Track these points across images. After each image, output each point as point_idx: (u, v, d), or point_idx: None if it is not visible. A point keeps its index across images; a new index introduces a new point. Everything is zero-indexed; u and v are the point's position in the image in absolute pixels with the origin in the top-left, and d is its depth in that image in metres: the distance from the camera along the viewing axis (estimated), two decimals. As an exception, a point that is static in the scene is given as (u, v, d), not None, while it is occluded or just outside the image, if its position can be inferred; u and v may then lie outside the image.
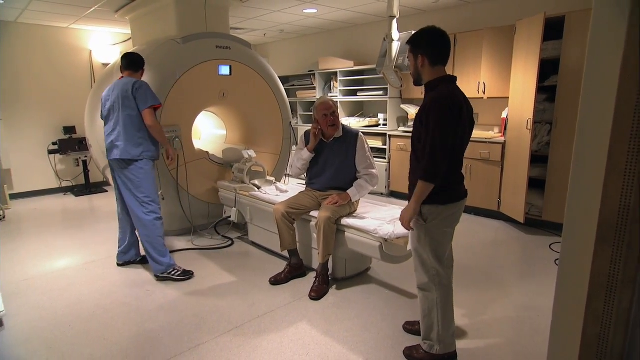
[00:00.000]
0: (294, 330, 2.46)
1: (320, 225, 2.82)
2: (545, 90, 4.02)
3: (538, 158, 4.10)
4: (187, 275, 3.19)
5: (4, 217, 4.95)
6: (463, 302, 2.71)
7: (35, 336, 2.45)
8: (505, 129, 4.34)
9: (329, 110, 3.00)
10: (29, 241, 4.15)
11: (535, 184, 4.13)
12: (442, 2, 4.69)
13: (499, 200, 4.40)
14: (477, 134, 4.60)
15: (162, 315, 2.66)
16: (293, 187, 3.97)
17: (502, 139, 4.34)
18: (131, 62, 3.19)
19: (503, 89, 4.39)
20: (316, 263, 3.02)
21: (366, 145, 3.06)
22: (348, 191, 2.99)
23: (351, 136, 3.05)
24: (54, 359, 2.23)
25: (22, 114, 5.76)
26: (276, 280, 3.07)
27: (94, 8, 4.77)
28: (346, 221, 2.87)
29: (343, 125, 3.11)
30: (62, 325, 2.56)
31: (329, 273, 3.01)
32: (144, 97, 3.01)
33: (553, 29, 3.81)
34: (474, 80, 4.61)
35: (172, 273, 3.15)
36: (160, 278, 3.15)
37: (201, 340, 2.38)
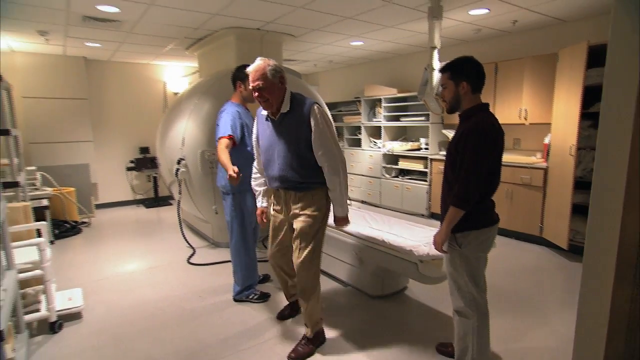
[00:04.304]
0: (330, 342, 2.44)
1: (300, 284, 2.27)
2: (590, 117, 3.76)
3: (583, 184, 3.81)
4: (264, 298, 3.02)
5: (89, 224, 5.43)
6: (499, 327, 2.54)
7: (104, 330, 2.64)
8: (547, 154, 4.09)
9: (254, 83, 2.11)
10: (106, 245, 4.50)
11: (580, 210, 3.82)
12: (484, 32, 4.59)
13: (541, 226, 4.11)
14: (518, 158, 4.39)
15: (211, 320, 2.75)
16: (335, 206, 3.99)
17: (545, 164, 4.09)
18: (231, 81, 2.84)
19: (545, 115, 4.16)
20: (340, 272, 2.89)
21: (324, 123, 2.14)
22: (334, 213, 2.31)
23: (301, 111, 2.14)
24: (119, 352, 2.39)
25: (107, 136, 6.36)
26: (282, 316, 2.75)
27: (170, 47, 5.21)
28: (383, 238, 2.82)
29: (294, 96, 2.20)
30: (126, 322, 2.74)
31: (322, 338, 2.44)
32: (219, 127, 2.74)
33: (597, 56, 3.58)
34: (515, 106, 4.42)
35: (251, 297, 3.00)
36: (237, 300, 3.02)
37: (245, 345, 2.43)
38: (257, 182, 2.49)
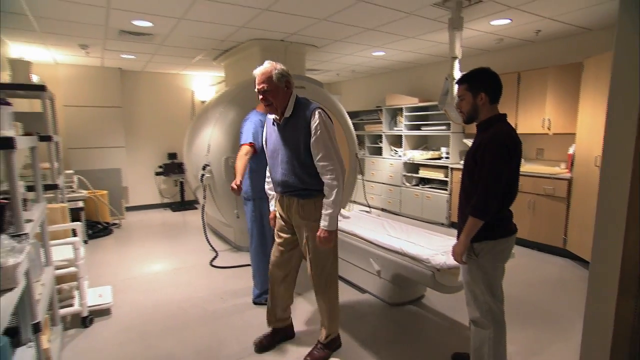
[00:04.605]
0: (346, 348, 2.44)
1: (319, 297, 2.28)
2: (617, 127, 3.64)
3: (609, 196, 3.68)
4: None
5: (119, 225, 5.65)
6: (518, 339, 2.49)
7: (131, 327, 2.75)
8: (572, 165, 3.98)
9: (259, 86, 2.09)
10: (135, 246, 4.68)
11: (607, 223, 3.69)
12: (506, 42, 4.53)
13: (564, 237, 3.99)
14: (541, 169, 4.29)
15: (231, 321, 2.82)
16: (356, 214, 4.00)
17: (569, 175, 3.98)
18: None
19: (569, 125, 4.06)
20: (357, 278, 2.85)
21: (324, 128, 2.05)
22: (321, 226, 2.09)
23: (304, 115, 2.09)
24: (144, 348, 2.49)
25: (138, 142, 6.63)
26: (262, 346, 2.45)
27: (198, 57, 5.40)
28: (400, 246, 2.82)
29: (299, 100, 2.16)
30: (151, 320, 2.84)
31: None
32: (242, 135, 2.86)
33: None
34: (538, 116, 4.33)
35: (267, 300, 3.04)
36: (256, 303, 3.07)
37: (262, 347, 2.47)
38: (270, 186, 2.44)
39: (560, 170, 4.20)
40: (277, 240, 2.37)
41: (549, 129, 4.25)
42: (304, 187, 2.14)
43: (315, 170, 2.11)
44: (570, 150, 4.06)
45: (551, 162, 4.50)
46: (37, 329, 1.67)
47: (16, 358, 1.52)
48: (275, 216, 2.43)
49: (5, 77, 3.45)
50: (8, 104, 1.74)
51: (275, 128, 2.21)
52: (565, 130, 4.13)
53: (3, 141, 1.55)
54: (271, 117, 2.24)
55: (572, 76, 4.00)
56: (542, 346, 2.48)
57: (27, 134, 2.36)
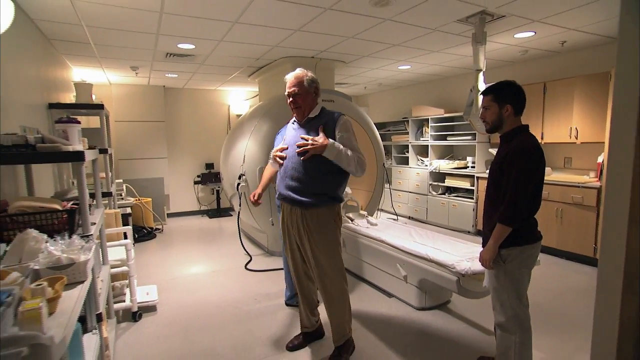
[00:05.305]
0: (370, 351, 2.51)
1: (327, 308, 2.31)
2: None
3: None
4: None
5: (162, 230, 5.97)
6: (544, 346, 2.46)
7: (174, 322, 2.94)
8: (601, 173, 3.87)
9: (290, 89, 2.17)
10: (176, 250, 4.93)
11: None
12: (531, 53, 4.49)
13: (594, 247, 3.86)
14: (569, 177, 4.19)
15: (264, 321, 2.94)
16: (383, 221, 4.06)
17: (598, 183, 3.86)
18: None
19: (598, 134, 3.96)
20: (384, 283, 2.93)
21: (351, 129, 2.18)
22: (331, 140, 2.10)
23: (331, 117, 2.19)
24: (185, 341, 2.65)
25: (179, 153, 6.99)
26: (293, 346, 2.54)
27: (234, 74, 5.68)
28: (426, 252, 2.86)
29: (325, 108, 2.28)
30: (192, 317, 3.02)
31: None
32: (274, 147, 3.11)
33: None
34: (565, 125, 4.24)
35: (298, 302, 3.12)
36: (288, 305, 3.17)
37: (294, 344, 2.57)
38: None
39: (589, 179, 4.09)
40: (290, 251, 2.38)
41: (576, 138, 4.15)
42: (317, 191, 2.15)
43: (326, 169, 2.14)
44: (600, 159, 3.95)
45: (579, 171, 4.38)
46: (99, 318, 1.86)
47: (84, 342, 1.71)
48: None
49: (71, 98, 3.81)
50: (78, 122, 1.97)
51: (295, 126, 2.29)
52: (593, 139, 4.02)
53: (76, 155, 1.76)
54: (291, 121, 2.34)
55: (599, 85, 3.92)
56: (569, 354, 2.43)
57: (90, 147, 2.61)
